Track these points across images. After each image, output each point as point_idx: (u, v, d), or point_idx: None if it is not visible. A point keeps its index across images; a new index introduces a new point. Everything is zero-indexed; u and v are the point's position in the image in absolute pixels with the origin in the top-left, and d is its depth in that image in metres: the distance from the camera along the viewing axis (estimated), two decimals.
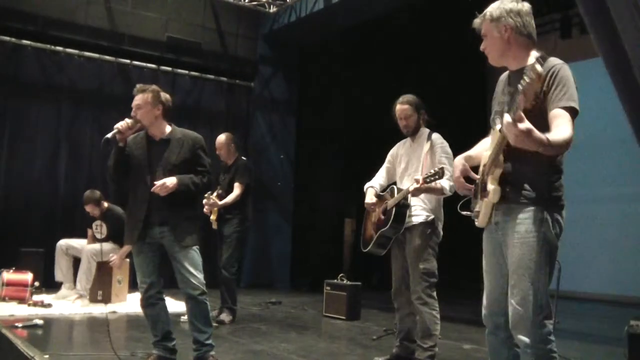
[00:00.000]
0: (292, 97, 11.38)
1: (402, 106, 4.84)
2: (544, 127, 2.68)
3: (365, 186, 5.05)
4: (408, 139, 4.96)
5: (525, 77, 2.54)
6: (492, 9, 2.94)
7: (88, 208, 7.55)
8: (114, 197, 7.97)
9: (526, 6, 2.96)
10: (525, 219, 2.80)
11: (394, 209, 4.72)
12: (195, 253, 4.38)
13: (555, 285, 5.33)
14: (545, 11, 11.15)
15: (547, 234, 2.79)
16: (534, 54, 2.89)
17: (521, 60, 2.92)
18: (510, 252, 2.85)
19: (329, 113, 11.65)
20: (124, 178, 4.45)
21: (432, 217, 4.73)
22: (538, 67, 2.52)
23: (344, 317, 7.17)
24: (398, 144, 5.07)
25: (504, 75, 3.09)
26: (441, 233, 4.82)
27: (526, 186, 2.81)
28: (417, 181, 4.51)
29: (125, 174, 4.44)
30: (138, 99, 4.44)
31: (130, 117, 4.42)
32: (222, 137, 6.90)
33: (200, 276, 4.39)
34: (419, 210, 4.74)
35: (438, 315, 4.66)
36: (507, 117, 2.53)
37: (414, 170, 4.76)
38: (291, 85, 11.37)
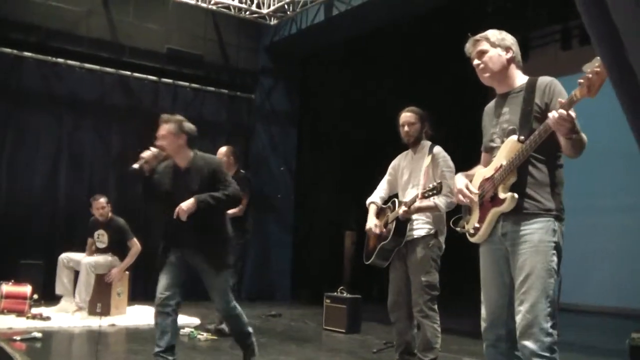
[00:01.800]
0: (293, 109, 11.39)
1: (406, 113, 4.83)
2: (551, 138, 2.82)
3: (367, 201, 5.03)
4: (409, 151, 4.93)
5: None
6: (494, 33, 3.15)
7: (96, 205, 7.55)
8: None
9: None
10: (539, 228, 2.88)
11: (394, 223, 4.70)
12: (226, 276, 4.65)
13: (556, 296, 5.30)
14: (546, 23, 11.19)
15: (558, 244, 2.89)
16: (523, 76, 3.15)
17: (511, 83, 3.13)
18: (521, 261, 2.89)
19: (330, 124, 11.66)
20: (154, 203, 4.73)
21: (435, 230, 4.71)
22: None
23: (344, 330, 7.14)
24: (399, 155, 5.05)
25: (489, 106, 3.27)
26: (444, 246, 4.79)
27: (538, 197, 2.91)
28: (405, 204, 4.53)
29: (153, 200, 4.69)
30: (162, 129, 4.60)
31: (154, 146, 4.60)
32: (222, 149, 6.89)
33: (230, 297, 4.65)
34: (421, 224, 4.71)
35: (439, 329, 4.64)
36: (554, 113, 2.66)
37: (417, 183, 4.73)
38: (292, 97, 11.38)
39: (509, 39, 3.15)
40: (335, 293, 7.43)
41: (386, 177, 5.10)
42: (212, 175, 4.52)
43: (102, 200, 7.62)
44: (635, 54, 3.47)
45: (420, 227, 4.71)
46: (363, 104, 11.53)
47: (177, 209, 4.36)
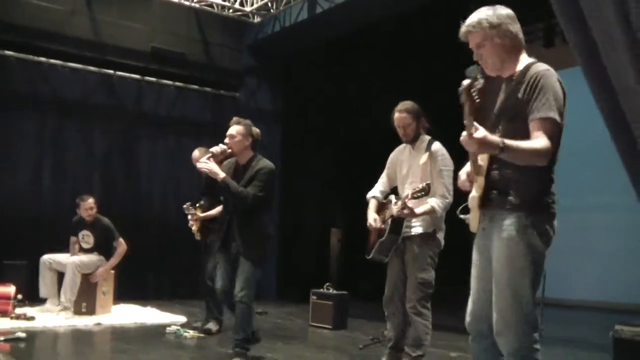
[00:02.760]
0: (278, 107, 11.38)
1: (400, 114, 4.74)
2: (526, 132, 2.71)
3: (368, 196, 5.01)
4: (408, 145, 4.88)
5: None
6: (487, 16, 2.87)
7: (84, 206, 7.50)
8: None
9: (510, 11, 2.95)
10: (509, 225, 2.78)
11: (390, 220, 4.69)
12: (252, 267, 4.99)
13: (541, 292, 5.34)
14: (529, 20, 11.25)
15: (532, 241, 2.76)
16: (524, 60, 2.92)
17: (513, 67, 2.90)
18: (495, 258, 2.83)
19: (315, 123, 11.66)
20: (213, 195, 5.35)
21: (433, 228, 4.69)
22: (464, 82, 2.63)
23: (330, 327, 7.16)
24: (397, 149, 5.00)
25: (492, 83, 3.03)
26: (442, 243, 4.77)
27: (511, 192, 2.79)
28: (399, 204, 4.52)
29: (213, 191, 5.27)
30: (233, 130, 5.17)
31: (222, 143, 5.12)
32: (196, 153, 6.77)
33: (250, 289, 5.05)
34: (419, 221, 4.68)
35: (430, 326, 4.64)
36: (464, 133, 2.60)
37: (415, 179, 4.71)
38: (276, 95, 11.36)
39: (505, 18, 2.89)
40: (322, 290, 7.45)
41: (385, 172, 5.06)
42: (254, 175, 4.99)
43: (91, 200, 7.58)
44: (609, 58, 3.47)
45: (419, 224, 4.69)
46: (348, 102, 11.55)
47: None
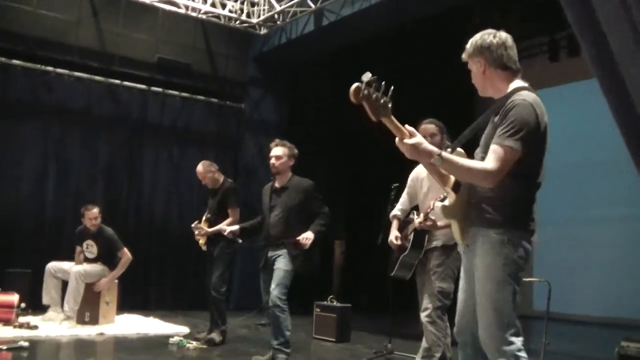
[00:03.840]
0: (282, 119, 11.38)
1: (427, 125, 4.72)
2: None
3: (390, 215, 5.02)
4: None
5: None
6: (469, 45, 3.05)
7: (88, 215, 7.49)
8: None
9: (502, 38, 3.05)
10: (487, 241, 2.90)
11: (412, 235, 4.68)
12: (290, 272, 5.48)
13: (545, 306, 5.32)
14: (534, 34, 11.27)
15: (510, 256, 2.85)
16: (514, 84, 3.00)
17: (501, 92, 3.01)
18: (476, 272, 2.95)
19: (319, 135, 11.66)
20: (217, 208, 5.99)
21: (454, 240, 4.62)
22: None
23: (333, 339, 7.13)
24: (417, 167, 4.97)
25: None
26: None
27: (490, 210, 2.89)
28: (422, 218, 4.51)
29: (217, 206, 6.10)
30: (278, 150, 5.55)
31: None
32: (199, 168, 6.88)
33: (284, 291, 5.51)
34: (441, 234, 4.66)
35: (443, 338, 4.53)
36: (397, 138, 2.82)
37: (436, 195, 4.66)
38: (281, 107, 11.38)
39: (481, 46, 3.03)
40: (325, 302, 7.42)
41: (406, 190, 5.05)
42: (308, 197, 5.54)
43: (95, 210, 7.57)
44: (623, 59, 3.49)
45: (440, 237, 4.68)
46: (352, 114, 11.50)
47: (303, 239, 5.35)
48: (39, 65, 9.00)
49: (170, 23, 10.12)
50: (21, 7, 8.81)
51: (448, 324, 4.54)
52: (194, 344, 6.33)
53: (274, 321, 5.37)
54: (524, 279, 6.83)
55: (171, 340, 6.47)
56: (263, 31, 10.68)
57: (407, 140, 2.77)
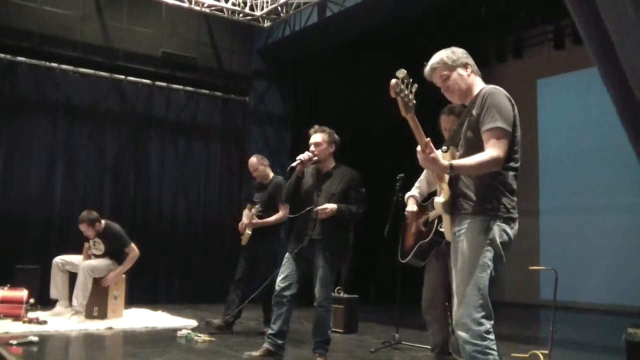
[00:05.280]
0: (287, 112, 11.39)
1: (447, 117, 4.57)
2: (481, 144, 3.10)
3: (406, 195, 4.94)
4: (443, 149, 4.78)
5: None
6: (445, 56, 3.34)
7: (82, 227, 7.48)
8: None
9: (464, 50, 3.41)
10: (471, 226, 3.11)
11: (435, 221, 4.51)
12: (333, 270, 5.22)
13: (552, 295, 5.32)
14: (538, 22, 11.22)
15: (492, 241, 3.07)
16: (479, 85, 3.31)
17: (473, 93, 3.30)
18: (456, 257, 3.17)
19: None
20: (296, 199, 5.35)
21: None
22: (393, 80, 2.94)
23: (341, 330, 7.15)
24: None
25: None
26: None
27: (473, 197, 3.13)
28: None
29: (295, 197, 5.36)
30: (317, 137, 5.39)
31: (309, 151, 5.31)
32: (253, 160, 7.06)
33: (330, 290, 5.30)
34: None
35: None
36: (418, 148, 3.01)
37: None
38: (286, 100, 11.38)
39: (461, 54, 3.34)
40: (333, 293, 7.42)
41: (423, 175, 4.94)
42: (350, 185, 5.23)
43: (82, 227, 7.43)
44: (624, 51, 3.50)
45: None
46: (358, 105, 11.53)
47: (320, 208, 5.07)
48: (44, 62, 9.03)
49: (174, 17, 10.12)
50: (26, 4, 8.84)
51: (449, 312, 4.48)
52: (202, 337, 6.36)
53: (320, 321, 5.26)
54: (531, 267, 6.90)
55: (179, 333, 6.50)
56: (267, 24, 10.68)
57: (425, 155, 2.99)
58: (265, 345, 5.26)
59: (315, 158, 5.29)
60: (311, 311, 5.43)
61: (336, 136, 5.48)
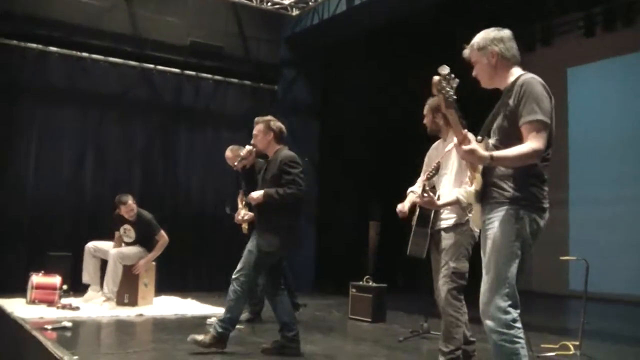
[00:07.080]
0: (315, 100, 11.39)
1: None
2: (518, 135, 3.07)
3: (408, 190, 4.97)
4: (440, 140, 4.85)
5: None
6: (478, 40, 3.34)
7: (125, 208, 7.57)
8: None
9: (507, 32, 3.34)
10: (501, 215, 3.11)
11: (417, 211, 4.63)
12: (259, 253, 5.10)
13: (581, 286, 5.28)
14: (568, 10, 11.06)
15: (521, 230, 3.07)
16: (518, 72, 3.27)
17: (507, 80, 3.28)
18: (486, 246, 3.18)
19: (353, 116, 11.65)
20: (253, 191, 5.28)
21: (466, 218, 4.55)
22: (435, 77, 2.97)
23: (369, 319, 7.17)
24: (433, 146, 4.91)
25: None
26: (477, 232, 4.67)
27: (505, 187, 3.13)
28: (419, 194, 4.42)
29: (253, 189, 5.31)
30: (255, 129, 5.39)
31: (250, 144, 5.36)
32: (228, 154, 6.99)
33: (241, 266, 5.13)
34: (449, 213, 4.59)
35: (462, 318, 4.45)
36: (454, 139, 3.04)
37: (449, 172, 4.65)
38: (314, 88, 11.38)
39: (493, 38, 3.29)
40: (361, 282, 7.45)
41: (424, 168, 4.98)
42: (280, 168, 5.17)
43: (130, 202, 7.58)
44: None
45: (448, 216, 4.58)
46: (386, 94, 11.49)
47: (249, 197, 5.18)
48: (74, 52, 9.13)
49: (202, 6, 10.17)
50: None
51: (464, 302, 4.48)
52: None
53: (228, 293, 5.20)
54: (562, 258, 6.83)
55: (208, 321, 6.54)
56: (295, 12, 10.67)
57: (464, 147, 2.99)
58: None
59: (254, 149, 5.37)
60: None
61: (274, 123, 5.41)
